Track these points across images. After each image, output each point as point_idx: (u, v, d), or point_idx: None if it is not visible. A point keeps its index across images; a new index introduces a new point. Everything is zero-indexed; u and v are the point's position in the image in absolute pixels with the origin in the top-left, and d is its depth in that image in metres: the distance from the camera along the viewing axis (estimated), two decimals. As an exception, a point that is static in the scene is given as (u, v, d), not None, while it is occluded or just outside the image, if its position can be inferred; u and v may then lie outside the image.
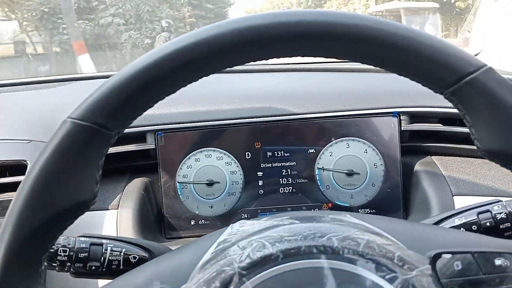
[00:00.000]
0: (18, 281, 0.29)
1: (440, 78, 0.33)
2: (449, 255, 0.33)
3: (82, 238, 0.49)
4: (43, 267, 0.35)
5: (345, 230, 0.34)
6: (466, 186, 0.72)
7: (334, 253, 0.32)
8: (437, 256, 0.33)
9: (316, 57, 0.35)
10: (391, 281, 0.30)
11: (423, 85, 0.35)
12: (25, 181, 0.33)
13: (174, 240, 0.76)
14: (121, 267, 0.48)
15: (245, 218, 0.41)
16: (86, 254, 0.48)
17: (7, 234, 0.32)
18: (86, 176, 0.34)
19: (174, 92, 0.35)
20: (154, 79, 0.33)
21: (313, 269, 0.31)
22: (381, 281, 0.30)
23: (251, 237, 0.34)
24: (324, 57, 0.35)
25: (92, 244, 0.49)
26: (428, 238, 0.36)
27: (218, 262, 0.33)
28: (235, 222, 0.38)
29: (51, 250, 0.47)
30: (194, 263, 0.34)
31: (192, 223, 0.77)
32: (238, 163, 0.77)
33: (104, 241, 0.49)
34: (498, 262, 0.33)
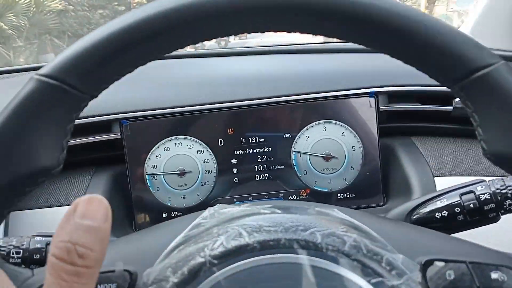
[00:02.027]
0: None
1: (449, 70, 0.29)
2: (441, 263, 0.30)
3: (37, 238, 0.45)
4: None
5: (330, 225, 0.31)
6: (447, 166, 0.70)
7: (316, 250, 0.29)
8: (429, 262, 0.30)
9: (315, 35, 0.32)
10: (376, 286, 0.28)
11: (430, 76, 0.31)
12: None
13: (130, 234, 0.72)
14: None
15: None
16: (43, 254, 0.44)
17: None
18: (50, 140, 0.30)
19: (158, 57, 0.31)
20: (138, 39, 0.29)
21: (292, 265, 0.28)
22: (365, 285, 0.28)
23: (227, 223, 0.32)
24: (325, 36, 0.32)
25: (48, 243, 0.45)
26: (420, 242, 0.34)
27: (188, 247, 0.30)
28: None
29: (2, 252, 0.43)
30: (163, 246, 0.32)
31: (164, 215, 0.73)
32: (210, 151, 0.73)
33: None
34: (494, 275, 0.30)
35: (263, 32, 0.32)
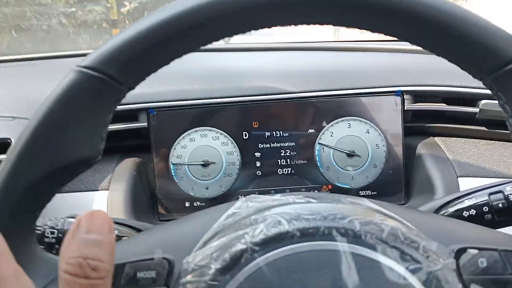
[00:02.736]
0: (10, 236, 0.26)
1: (482, 62, 0.30)
2: (474, 251, 0.30)
3: (71, 219, 0.46)
4: (35, 226, 0.33)
5: (368, 214, 0.31)
6: (471, 167, 0.70)
7: (355, 237, 0.29)
8: (462, 250, 0.30)
9: (350, 28, 0.32)
10: (414, 272, 0.28)
11: (461, 68, 0.31)
12: (24, 131, 0.30)
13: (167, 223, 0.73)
14: None
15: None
16: None
17: None
18: (91, 131, 0.31)
19: (193, 50, 0.32)
20: (175, 33, 0.30)
21: (332, 252, 0.29)
22: (403, 271, 0.28)
23: (264, 211, 0.32)
24: (352, 28, 0.32)
25: None
26: (451, 231, 0.34)
27: (227, 235, 0.30)
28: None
29: (38, 232, 0.45)
30: (200, 234, 0.32)
31: (187, 205, 0.74)
32: (235, 144, 0.73)
33: None
34: None
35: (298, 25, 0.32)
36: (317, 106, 0.74)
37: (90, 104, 0.30)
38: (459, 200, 0.50)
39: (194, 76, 0.77)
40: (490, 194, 0.48)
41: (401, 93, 0.73)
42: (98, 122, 0.31)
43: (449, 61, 0.31)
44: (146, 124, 0.72)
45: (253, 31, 0.32)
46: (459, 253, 0.30)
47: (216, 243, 0.30)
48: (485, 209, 0.48)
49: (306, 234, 0.29)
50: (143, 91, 0.73)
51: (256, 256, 0.29)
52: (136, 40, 0.30)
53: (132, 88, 0.32)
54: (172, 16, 0.30)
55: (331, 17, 0.31)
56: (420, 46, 0.31)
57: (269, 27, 0.32)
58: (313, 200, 0.33)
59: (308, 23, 0.32)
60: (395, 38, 0.31)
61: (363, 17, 0.30)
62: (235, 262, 0.28)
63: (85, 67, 0.30)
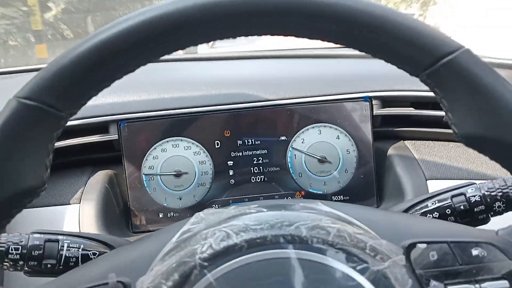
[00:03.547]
0: None
1: (415, 59, 0.31)
2: (424, 245, 0.31)
3: (36, 235, 0.46)
4: None
5: (314, 218, 0.32)
6: (439, 169, 0.71)
7: (302, 243, 0.30)
8: (412, 246, 0.31)
9: (286, 36, 0.32)
10: (362, 272, 0.29)
11: (398, 67, 0.32)
12: None
13: (141, 234, 0.73)
14: (80, 264, 0.45)
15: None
16: (41, 251, 0.45)
17: None
18: (33, 161, 0.31)
19: (133, 70, 0.32)
20: (111, 54, 0.30)
21: (280, 260, 0.29)
22: (351, 272, 0.29)
23: (215, 226, 0.32)
24: (294, 36, 0.32)
25: (47, 240, 0.45)
26: (402, 227, 0.35)
27: (178, 253, 0.31)
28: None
29: (1, 249, 0.44)
30: (154, 254, 0.32)
31: (161, 216, 0.74)
32: (207, 153, 0.74)
33: (60, 237, 0.46)
34: (475, 252, 0.31)
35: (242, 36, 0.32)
36: (287, 113, 0.74)
37: (30, 134, 0.30)
38: (423, 203, 0.51)
39: (164, 87, 0.78)
40: (453, 196, 0.49)
41: (369, 99, 0.74)
42: (40, 151, 0.31)
43: (385, 61, 0.32)
44: (117, 136, 0.72)
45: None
46: (410, 248, 0.31)
47: (167, 262, 0.30)
48: (448, 211, 0.48)
49: (254, 245, 0.30)
50: (113, 102, 0.73)
51: (205, 272, 0.29)
52: (70, 65, 0.30)
53: (74, 113, 0.32)
54: (103, 39, 0.30)
55: (265, 28, 0.31)
56: (357, 49, 0.32)
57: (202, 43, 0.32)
58: (263, 210, 0.33)
59: (233, 37, 0.32)
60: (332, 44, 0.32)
61: (297, 25, 0.31)
62: (185, 280, 0.29)
63: (22, 97, 0.30)
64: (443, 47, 0.30)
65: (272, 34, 0.32)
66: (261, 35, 0.32)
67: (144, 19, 0.30)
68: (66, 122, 0.32)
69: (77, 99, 0.31)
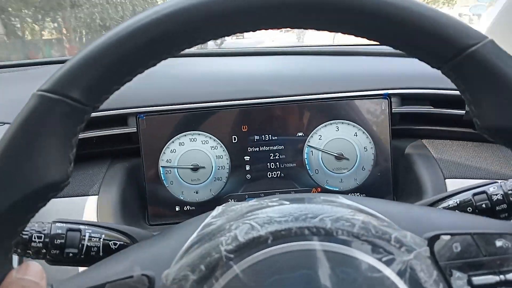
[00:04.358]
0: None
1: (438, 51, 0.30)
2: (447, 237, 0.31)
3: (58, 224, 0.46)
4: (12, 254, 0.33)
5: (338, 210, 0.32)
6: (458, 169, 0.70)
7: (327, 235, 0.30)
8: (435, 237, 0.31)
9: (307, 29, 0.32)
10: (388, 263, 0.29)
11: (420, 60, 0.32)
12: None
13: (158, 227, 0.73)
14: (101, 254, 0.45)
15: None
16: (63, 240, 0.45)
17: None
18: (57, 155, 0.31)
19: (155, 64, 0.32)
20: (133, 49, 0.30)
21: (305, 252, 0.29)
22: (377, 264, 0.28)
23: (238, 219, 0.32)
24: (314, 29, 0.32)
25: (69, 230, 0.46)
26: (425, 220, 0.35)
27: (203, 245, 0.31)
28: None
29: (24, 237, 0.45)
30: (178, 247, 0.32)
31: (177, 209, 0.74)
32: (224, 147, 0.74)
33: (82, 226, 0.46)
34: (499, 243, 0.31)
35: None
36: (305, 109, 0.74)
37: (54, 129, 0.30)
38: (444, 201, 0.51)
39: (183, 81, 0.78)
40: (474, 194, 0.49)
41: (388, 96, 0.73)
42: (65, 145, 0.31)
43: (407, 54, 0.32)
44: (135, 129, 0.73)
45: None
46: (433, 240, 0.31)
47: (192, 255, 0.30)
48: (469, 209, 0.48)
49: (279, 237, 0.30)
50: (132, 95, 0.74)
51: (231, 263, 0.29)
52: (95, 59, 0.30)
53: (97, 107, 0.32)
54: (126, 33, 0.30)
55: (287, 21, 0.31)
56: (378, 42, 0.32)
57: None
58: (286, 202, 0.33)
59: (254, 30, 0.32)
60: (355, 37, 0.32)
61: (318, 18, 0.31)
62: (212, 272, 0.29)
63: (45, 90, 0.29)
64: (467, 38, 0.30)
65: (295, 28, 0.32)
66: (292, 28, 0.31)
67: (169, 12, 0.30)
68: (89, 116, 0.32)
69: (101, 93, 0.31)
